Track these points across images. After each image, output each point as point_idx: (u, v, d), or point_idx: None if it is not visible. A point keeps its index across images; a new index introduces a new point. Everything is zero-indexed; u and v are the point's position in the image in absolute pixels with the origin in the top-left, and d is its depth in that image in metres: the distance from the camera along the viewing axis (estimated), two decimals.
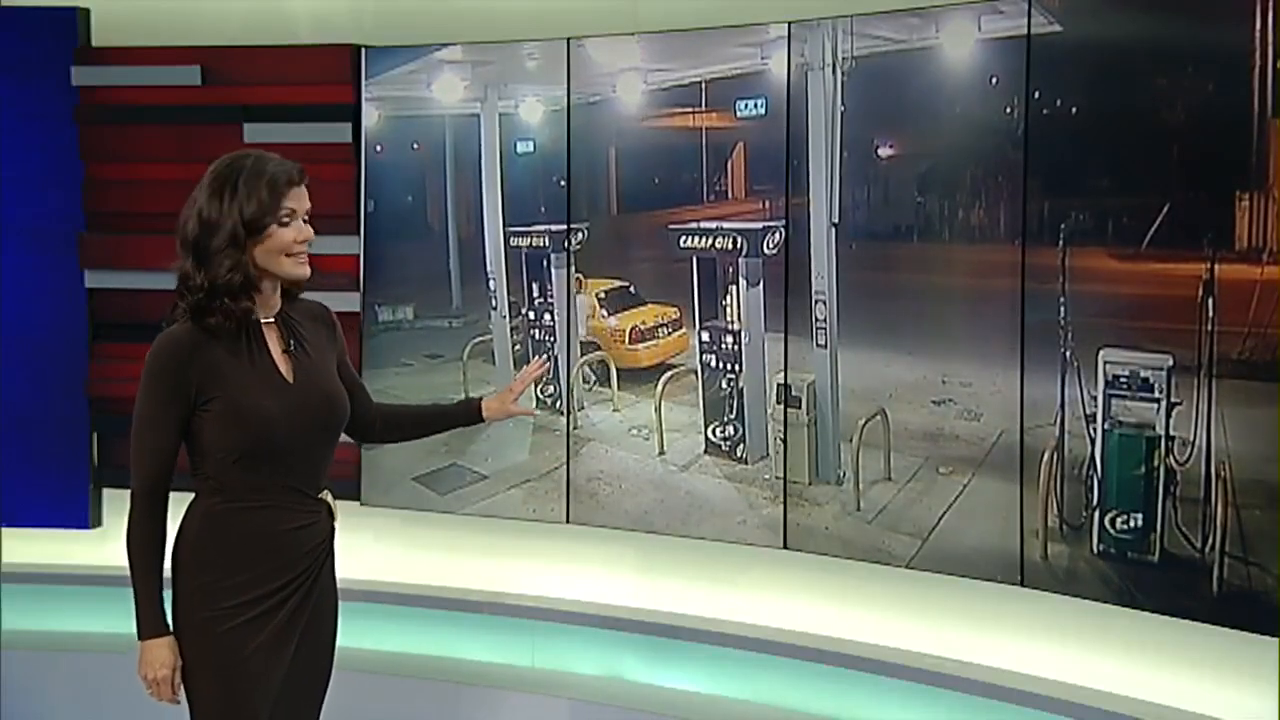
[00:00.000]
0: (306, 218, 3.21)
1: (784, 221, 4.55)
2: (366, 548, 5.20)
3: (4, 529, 5.43)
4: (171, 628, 3.17)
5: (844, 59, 4.36)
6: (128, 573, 3.16)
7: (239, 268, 3.14)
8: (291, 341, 3.24)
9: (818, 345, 4.51)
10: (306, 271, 3.22)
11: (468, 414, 3.62)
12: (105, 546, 5.32)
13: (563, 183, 4.96)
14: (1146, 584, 3.87)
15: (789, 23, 4.51)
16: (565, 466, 5.02)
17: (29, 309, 5.49)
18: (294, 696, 3.23)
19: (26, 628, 5.39)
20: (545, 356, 3.93)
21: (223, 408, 3.13)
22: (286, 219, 3.17)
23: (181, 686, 3.18)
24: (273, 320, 3.24)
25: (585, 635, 5.05)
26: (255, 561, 3.17)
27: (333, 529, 3.30)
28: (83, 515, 5.52)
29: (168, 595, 3.19)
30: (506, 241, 5.11)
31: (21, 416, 5.49)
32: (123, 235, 5.42)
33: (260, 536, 3.18)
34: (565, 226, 4.98)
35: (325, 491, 3.28)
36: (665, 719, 4.73)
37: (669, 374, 4.87)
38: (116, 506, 4.84)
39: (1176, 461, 3.78)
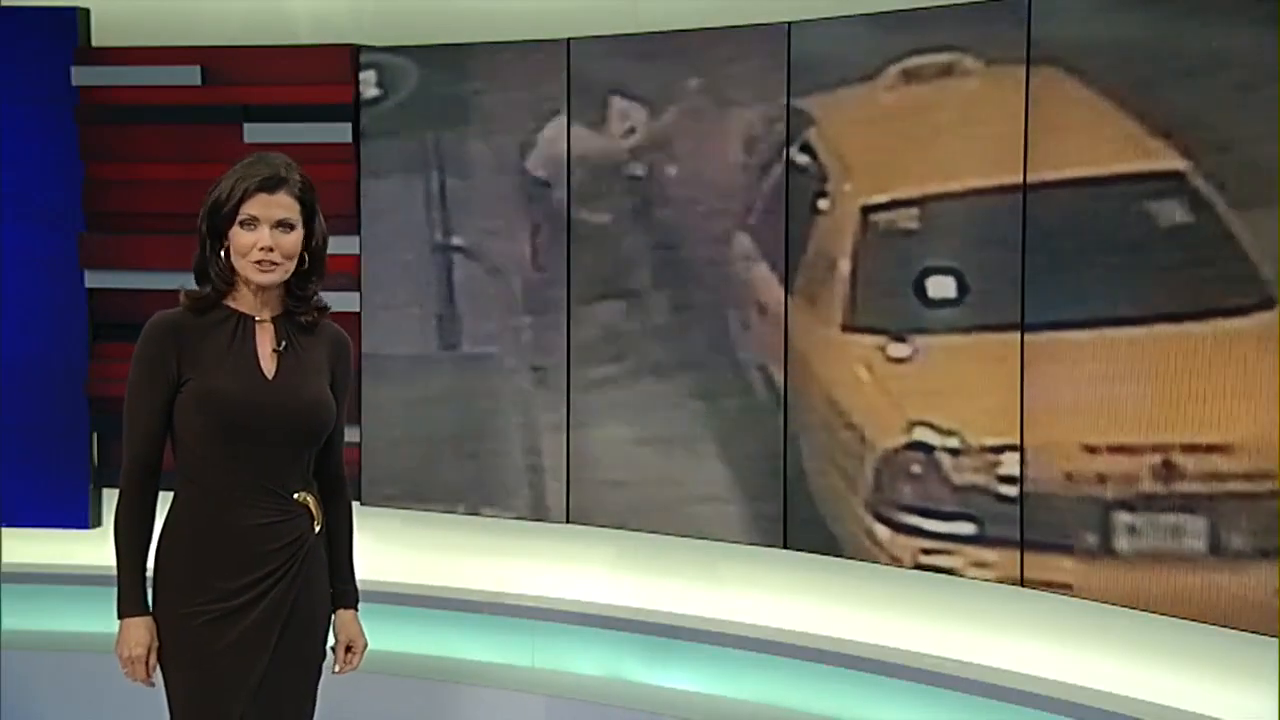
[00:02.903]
0: (287, 228, 3.16)
1: None
2: (367, 548, 5.15)
3: (4, 529, 5.43)
4: (152, 612, 3.20)
5: None
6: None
7: (211, 256, 3.19)
8: (284, 344, 3.23)
9: None
10: (264, 279, 3.17)
11: (336, 597, 3.36)
12: (105, 546, 5.22)
13: None
14: None
15: (788, 23, 4.50)
16: (565, 465, 5.02)
17: (29, 309, 5.48)
18: (275, 697, 3.21)
19: (26, 628, 5.38)
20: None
21: (193, 388, 3.15)
22: (248, 224, 3.15)
23: (158, 669, 3.20)
24: (269, 321, 3.23)
25: (585, 635, 5.04)
26: (222, 555, 3.16)
27: (313, 530, 3.26)
28: (82, 515, 5.51)
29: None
30: None
31: (21, 416, 5.47)
32: (123, 235, 5.42)
33: (227, 532, 3.17)
34: None
35: (305, 495, 3.26)
36: (665, 719, 4.72)
37: None
38: None
39: None
